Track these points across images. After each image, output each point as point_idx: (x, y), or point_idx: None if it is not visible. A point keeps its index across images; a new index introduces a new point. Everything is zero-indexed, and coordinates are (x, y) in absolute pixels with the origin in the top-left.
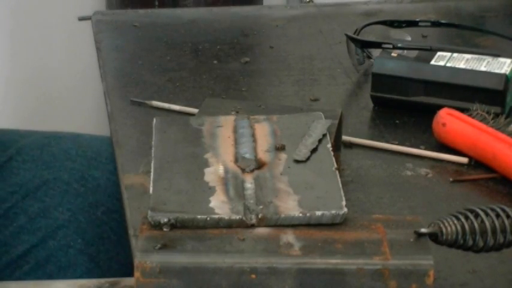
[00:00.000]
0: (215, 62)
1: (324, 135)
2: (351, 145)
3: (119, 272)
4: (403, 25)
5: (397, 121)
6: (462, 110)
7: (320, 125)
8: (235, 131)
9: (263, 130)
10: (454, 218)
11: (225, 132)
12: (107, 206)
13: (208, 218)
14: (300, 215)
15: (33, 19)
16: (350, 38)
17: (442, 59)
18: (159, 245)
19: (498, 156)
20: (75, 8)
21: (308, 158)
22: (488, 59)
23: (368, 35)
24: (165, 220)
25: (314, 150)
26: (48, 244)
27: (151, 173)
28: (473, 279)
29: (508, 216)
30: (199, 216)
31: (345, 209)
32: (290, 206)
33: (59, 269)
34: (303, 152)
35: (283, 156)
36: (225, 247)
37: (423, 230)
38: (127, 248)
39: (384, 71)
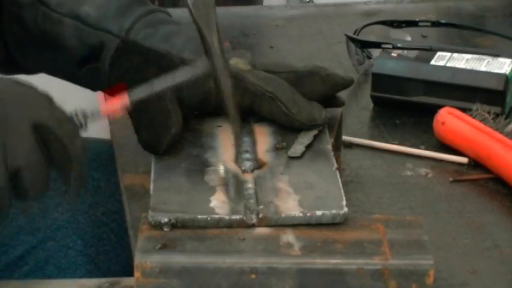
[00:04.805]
0: None
1: (320, 131)
2: (351, 145)
3: (119, 273)
4: (403, 25)
5: (397, 121)
6: (463, 110)
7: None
8: None
9: (263, 130)
10: None
11: (225, 132)
12: (106, 207)
13: (208, 218)
14: (301, 214)
15: None
16: (350, 38)
17: (442, 59)
18: (159, 245)
19: (492, 156)
20: None
21: (303, 154)
22: (488, 59)
23: (368, 35)
24: (166, 220)
25: (309, 146)
26: (47, 245)
27: (152, 173)
28: (473, 279)
29: None
30: (199, 216)
31: (346, 209)
32: (290, 206)
33: (59, 270)
34: (297, 149)
35: (283, 156)
36: (225, 247)
37: None
38: (127, 249)
39: (384, 71)
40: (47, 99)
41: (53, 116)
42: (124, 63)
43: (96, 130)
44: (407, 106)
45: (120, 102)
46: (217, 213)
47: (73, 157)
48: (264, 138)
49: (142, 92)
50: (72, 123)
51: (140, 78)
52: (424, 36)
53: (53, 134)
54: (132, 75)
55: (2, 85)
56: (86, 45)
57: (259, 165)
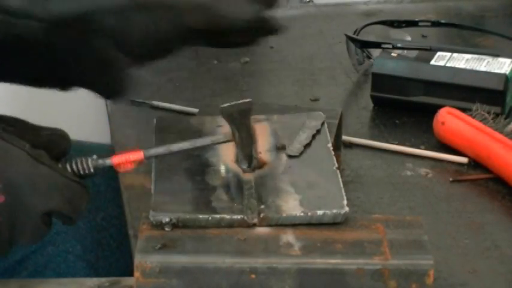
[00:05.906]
0: (215, 62)
1: (318, 130)
2: (351, 145)
3: None
4: (403, 25)
5: (397, 121)
6: (463, 110)
7: (314, 121)
8: None
9: (263, 130)
10: None
11: (225, 132)
12: (106, 212)
13: (210, 218)
14: (302, 214)
15: None
16: (350, 38)
17: (442, 59)
18: (159, 245)
19: (492, 156)
20: None
21: (302, 154)
22: (488, 59)
23: (368, 35)
24: (167, 220)
25: (308, 145)
26: (46, 250)
27: (152, 173)
28: (473, 279)
29: None
30: (200, 216)
31: (346, 208)
32: (291, 206)
33: (58, 275)
34: (296, 148)
35: (283, 155)
36: (225, 247)
37: None
38: (126, 254)
39: (384, 71)
40: (60, 178)
41: (64, 199)
42: (61, 42)
43: (97, 134)
44: (407, 106)
45: (134, 158)
46: (218, 213)
47: (77, 218)
48: (264, 138)
49: (157, 151)
50: (82, 197)
51: (85, 46)
52: (424, 36)
53: (62, 215)
54: (75, 47)
55: (16, 163)
56: (16, 37)
57: (259, 164)
